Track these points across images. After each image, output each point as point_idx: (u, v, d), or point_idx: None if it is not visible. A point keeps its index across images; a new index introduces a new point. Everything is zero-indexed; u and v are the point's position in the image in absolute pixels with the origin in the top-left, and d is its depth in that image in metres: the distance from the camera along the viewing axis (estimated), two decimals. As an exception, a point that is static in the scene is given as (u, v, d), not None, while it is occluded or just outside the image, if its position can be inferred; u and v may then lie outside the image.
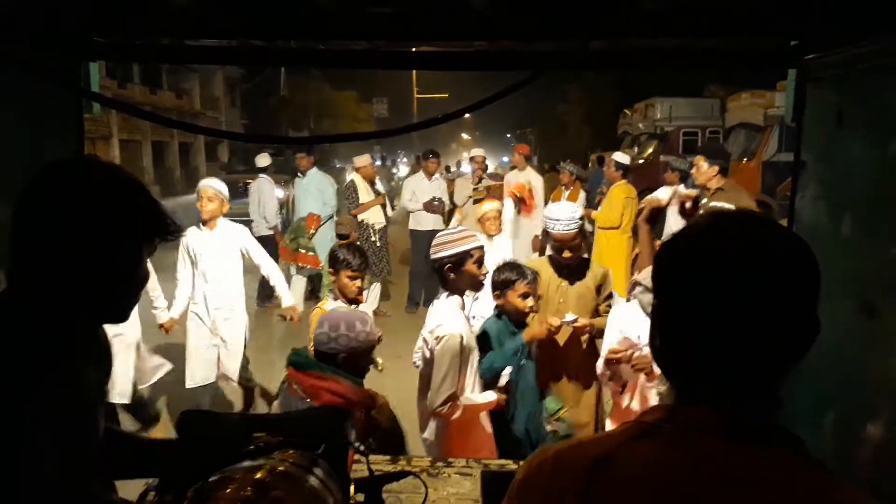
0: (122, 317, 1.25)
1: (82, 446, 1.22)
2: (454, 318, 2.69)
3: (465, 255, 2.69)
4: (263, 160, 8.27)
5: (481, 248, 2.78)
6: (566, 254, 3.25)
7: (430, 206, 7.75)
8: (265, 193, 7.94)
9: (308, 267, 7.31)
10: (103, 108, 2.21)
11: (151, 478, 1.44)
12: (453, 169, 18.08)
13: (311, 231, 7.34)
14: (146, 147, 26.51)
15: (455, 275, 2.70)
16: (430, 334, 2.69)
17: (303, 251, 7.28)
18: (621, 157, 7.54)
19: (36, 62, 1.72)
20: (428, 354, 2.73)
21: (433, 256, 2.74)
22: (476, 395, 2.79)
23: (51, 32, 1.70)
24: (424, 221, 7.71)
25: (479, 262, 2.76)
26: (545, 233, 3.38)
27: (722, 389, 0.83)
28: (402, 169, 20.31)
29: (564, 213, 3.21)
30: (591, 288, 3.39)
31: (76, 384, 1.19)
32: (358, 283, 3.40)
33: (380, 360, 3.20)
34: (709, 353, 0.83)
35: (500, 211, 4.63)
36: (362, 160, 7.68)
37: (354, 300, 3.44)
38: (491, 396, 2.82)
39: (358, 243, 6.34)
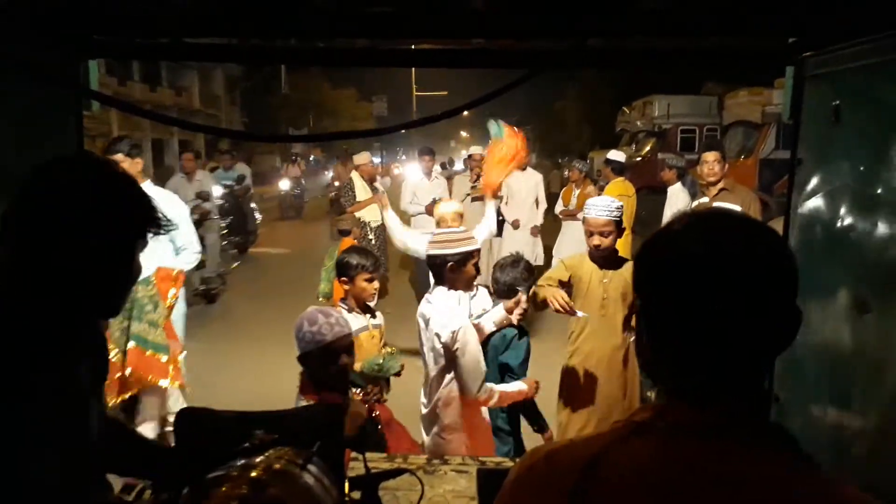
0: (114, 311, 1.27)
1: (80, 445, 1.23)
2: (460, 311, 2.77)
3: (469, 255, 2.78)
4: (361, 158, 8.60)
5: (479, 250, 2.89)
6: (595, 239, 3.22)
7: (432, 209, 7.67)
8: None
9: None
10: (103, 106, 2.20)
11: (147, 479, 1.45)
12: (457, 167, 18.00)
13: (167, 303, 3.84)
14: (146, 145, 26.43)
15: (455, 274, 2.76)
16: (443, 329, 2.69)
17: (155, 352, 3.68)
18: (616, 154, 7.50)
19: (35, 61, 1.72)
20: (442, 351, 2.73)
21: (435, 252, 2.78)
22: (507, 385, 2.90)
23: (50, 31, 1.70)
24: (426, 224, 7.60)
25: (477, 264, 2.85)
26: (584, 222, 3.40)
27: (709, 386, 0.83)
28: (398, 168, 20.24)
29: (601, 201, 3.30)
30: (629, 282, 3.39)
31: (73, 383, 1.20)
32: (375, 284, 3.27)
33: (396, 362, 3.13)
34: (695, 350, 0.83)
35: (460, 213, 4.24)
36: (361, 158, 7.68)
37: (368, 307, 3.32)
38: (522, 386, 2.90)
39: (356, 241, 6.35)
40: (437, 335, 2.72)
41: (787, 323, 0.83)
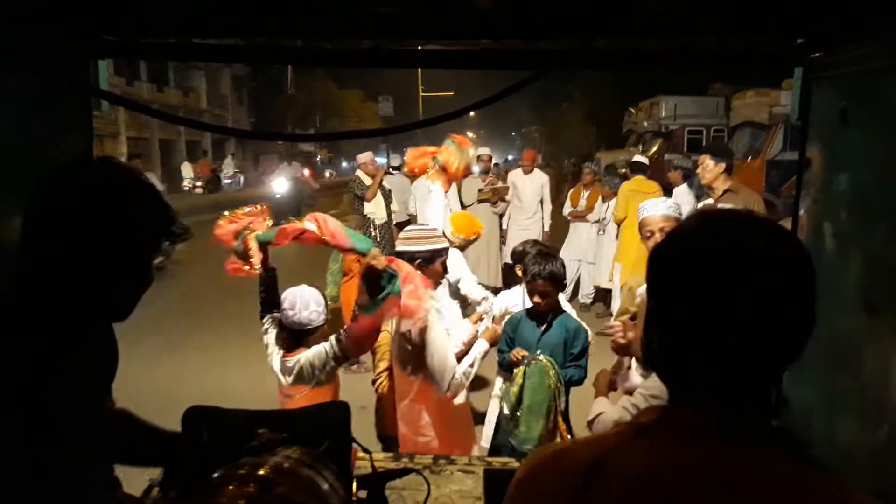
0: (124, 315, 1.27)
1: (85, 444, 1.23)
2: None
3: (437, 253, 2.81)
4: (396, 160, 8.95)
5: (447, 249, 2.91)
6: (658, 236, 2.85)
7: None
8: (396, 187, 8.25)
9: None
10: (111, 106, 2.22)
11: (156, 466, 1.46)
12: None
13: None
14: (154, 145, 26.65)
15: (422, 271, 2.77)
16: (412, 327, 2.70)
17: None
18: (640, 157, 7.54)
19: (45, 60, 1.73)
20: (410, 348, 2.76)
21: (404, 248, 2.81)
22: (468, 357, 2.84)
23: (59, 31, 1.71)
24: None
25: (444, 263, 2.87)
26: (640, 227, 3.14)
27: (716, 389, 0.83)
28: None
29: (656, 200, 3.10)
30: None
31: (79, 383, 1.20)
32: None
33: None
34: (705, 351, 0.83)
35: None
36: (364, 157, 7.71)
37: None
38: (483, 345, 2.87)
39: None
40: (405, 333, 2.74)
41: (801, 323, 0.82)
